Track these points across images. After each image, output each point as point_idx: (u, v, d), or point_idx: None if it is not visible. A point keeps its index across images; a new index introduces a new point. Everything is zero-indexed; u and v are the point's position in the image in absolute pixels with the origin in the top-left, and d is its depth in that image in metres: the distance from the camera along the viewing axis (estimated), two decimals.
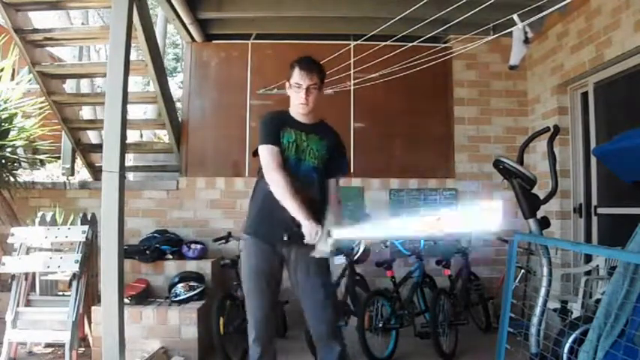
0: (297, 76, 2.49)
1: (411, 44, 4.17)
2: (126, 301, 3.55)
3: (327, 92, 4.78)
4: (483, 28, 4.01)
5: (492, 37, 3.91)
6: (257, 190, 2.59)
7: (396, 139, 5.24)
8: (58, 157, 5.70)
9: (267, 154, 2.46)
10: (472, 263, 4.62)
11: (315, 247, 2.33)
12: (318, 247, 2.32)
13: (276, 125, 2.53)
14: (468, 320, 4.41)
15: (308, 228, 2.30)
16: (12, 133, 4.67)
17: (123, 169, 2.94)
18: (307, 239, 2.31)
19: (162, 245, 4.54)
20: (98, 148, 5.27)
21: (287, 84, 2.56)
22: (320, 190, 2.55)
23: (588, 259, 3.92)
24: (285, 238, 2.43)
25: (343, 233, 2.39)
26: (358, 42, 4.57)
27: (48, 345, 4.03)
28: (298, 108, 2.53)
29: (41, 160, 5.40)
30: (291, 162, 2.50)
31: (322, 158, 2.56)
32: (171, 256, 4.51)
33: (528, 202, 2.86)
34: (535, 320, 2.67)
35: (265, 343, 2.56)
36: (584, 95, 4.45)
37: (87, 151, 5.49)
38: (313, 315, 2.55)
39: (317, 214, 2.37)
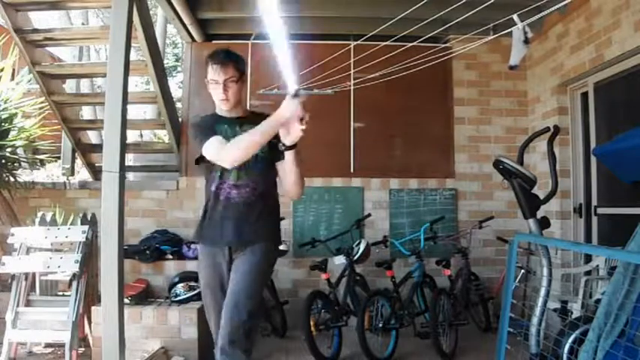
0: (212, 72, 2.33)
1: (411, 44, 4.17)
2: (126, 301, 3.56)
3: (327, 92, 4.82)
4: (483, 28, 4.00)
5: (492, 37, 3.91)
6: (206, 196, 2.43)
7: (396, 139, 5.24)
8: (58, 157, 5.70)
9: (212, 145, 2.24)
10: (472, 263, 4.62)
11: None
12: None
13: (208, 122, 2.39)
14: (468, 320, 4.41)
15: (283, 112, 2.13)
16: (12, 133, 4.66)
17: (123, 169, 2.94)
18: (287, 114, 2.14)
19: (162, 245, 4.54)
20: (98, 148, 5.27)
21: (206, 81, 2.38)
22: (269, 179, 2.40)
23: (588, 259, 3.92)
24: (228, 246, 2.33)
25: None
26: (358, 42, 4.56)
27: (48, 345, 4.02)
28: (221, 104, 2.38)
29: (41, 160, 5.39)
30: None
31: (264, 147, 2.30)
32: (171, 256, 4.51)
33: (528, 202, 2.86)
34: (535, 320, 2.68)
35: None
36: (584, 95, 4.45)
37: (87, 151, 5.49)
38: (224, 315, 2.25)
39: (265, 205, 2.34)
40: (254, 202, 2.34)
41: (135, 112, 11.60)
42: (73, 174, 5.77)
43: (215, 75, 2.32)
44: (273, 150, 2.31)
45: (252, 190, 2.33)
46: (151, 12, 6.02)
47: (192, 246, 4.59)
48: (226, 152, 2.20)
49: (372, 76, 4.63)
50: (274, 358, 3.97)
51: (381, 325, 3.88)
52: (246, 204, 2.32)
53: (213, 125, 2.35)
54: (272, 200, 2.45)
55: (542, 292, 2.70)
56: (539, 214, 2.89)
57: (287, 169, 2.30)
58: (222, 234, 2.33)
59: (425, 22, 3.73)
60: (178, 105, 6.47)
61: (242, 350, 2.18)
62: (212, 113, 2.48)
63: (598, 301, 2.82)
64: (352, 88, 4.90)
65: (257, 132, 2.16)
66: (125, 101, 2.96)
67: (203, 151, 2.29)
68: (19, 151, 4.89)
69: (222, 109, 2.39)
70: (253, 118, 2.34)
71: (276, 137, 2.23)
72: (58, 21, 10.42)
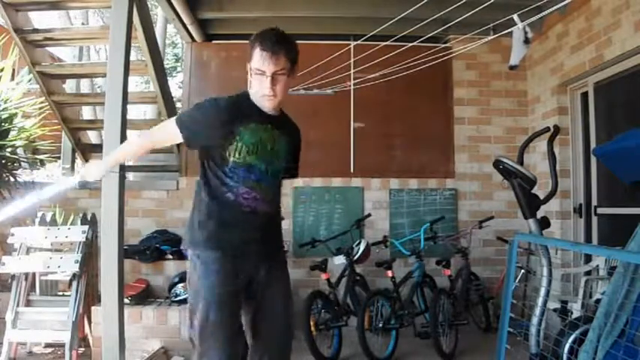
0: (259, 60, 1.91)
1: (411, 44, 4.17)
2: (126, 301, 3.56)
3: (327, 92, 4.82)
4: (483, 28, 4.00)
5: (492, 37, 3.91)
6: (203, 194, 2.05)
7: (396, 139, 5.24)
8: (58, 157, 5.69)
9: (170, 129, 1.99)
10: (472, 263, 4.62)
11: None
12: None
13: (229, 115, 1.96)
14: (468, 320, 4.40)
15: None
16: (12, 133, 4.66)
17: (123, 169, 2.94)
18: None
19: (162, 245, 4.54)
20: (98, 148, 5.26)
21: (247, 66, 1.99)
22: (278, 194, 2.16)
23: (588, 259, 3.92)
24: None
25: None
26: (358, 42, 4.56)
27: (48, 345, 4.02)
28: (262, 101, 1.98)
29: (41, 160, 5.39)
30: (257, 169, 1.99)
31: (287, 161, 2.12)
32: (171, 256, 4.51)
33: (528, 202, 2.86)
34: (535, 320, 2.67)
35: None
36: (584, 95, 4.45)
37: (87, 151, 5.49)
38: (269, 345, 2.07)
39: (272, 228, 2.11)
40: (274, 214, 2.14)
41: (135, 112, 11.59)
42: (73, 174, 5.76)
43: (263, 64, 1.91)
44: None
45: (270, 202, 2.08)
46: (151, 12, 6.02)
47: None
48: (135, 140, 2.19)
49: (372, 76, 4.63)
50: None
51: (381, 325, 3.88)
52: (268, 215, 2.07)
53: (233, 122, 1.94)
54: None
55: (542, 292, 2.69)
56: (539, 214, 2.89)
57: None
58: (245, 241, 2.00)
59: (425, 22, 3.74)
60: (178, 105, 6.47)
61: None
62: (247, 97, 2.04)
63: (598, 301, 2.82)
64: (352, 88, 4.90)
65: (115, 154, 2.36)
66: (125, 101, 2.96)
67: (166, 122, 2.11)
68: (19, 151, 4.88)
69: (265, 105, 2.00)
70: (286, 124, 2.12)
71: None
72: (58, 21, 10.41)
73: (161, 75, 4.90)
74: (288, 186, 4.73)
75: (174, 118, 2.04)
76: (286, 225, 4.85)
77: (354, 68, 4.80)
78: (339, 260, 4.30)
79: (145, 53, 4.52)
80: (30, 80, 4.94)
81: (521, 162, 2.99)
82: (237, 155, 1.96)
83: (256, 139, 1.97)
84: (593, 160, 4.28)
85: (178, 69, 14.60)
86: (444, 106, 5.29)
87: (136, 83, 14.77)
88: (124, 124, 2.97)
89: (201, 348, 1.94)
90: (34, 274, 3.92)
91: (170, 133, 1.99)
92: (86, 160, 5.45)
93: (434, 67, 4.42)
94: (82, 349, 3.83)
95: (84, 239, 3.80)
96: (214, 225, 1.98)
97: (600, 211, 4.26)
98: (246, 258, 2.00)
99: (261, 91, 1.96)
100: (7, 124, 4.55)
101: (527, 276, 4.45)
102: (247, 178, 1.98)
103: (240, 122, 1.96)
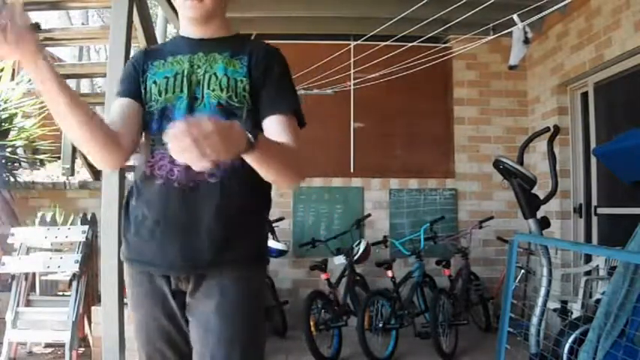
0: None
1: (411, 44, 4.18)
2: (126, 301, 3.55)
3: (327, 92, 4.82)
4: (483, 28, 4.01)
5: (492, 37, 3.91)
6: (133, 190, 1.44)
7: (396, 139, 5.24)
8: (58, 157, 5.69)
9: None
10: (472, 263, 4.62)
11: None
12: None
13: (138, 62, 1.44)
14: (468, 320, 4.40)
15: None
16: (12, 133, 4.67)
17: (123, 169, 2.94)
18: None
19: None
20: None
21: None
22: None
23: (588, 259, 3.92)
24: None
25: None
26: (358, 42, 4.57)
27: (48, 345, 4.02)
28: (187, 13, 1.39)
29: (41, 160, 5.40)
30: (179, 107, 1.36)
31: (237, 89, 1.36)
32: None
33: (528, 202, 2.86)
34: (535, 320, 2.68)
35: None
36: (584, 95, 4.45)
37: None
38: None
39: (228, 191, 1.33)
40: (222, 185, 1.37)
41: None
42: (73, 174, 5.76)
43: None
44: None
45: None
46: (151, 12, 6.02)
47: None
48: None
49: (372, 76, 4.64)
50: (274, 358, 3.96)
51: (381, 325, 3.88)
52: (200, 187, 1.37)
53: (146, 61, 1.43)
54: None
55: (542, 292, 2.70)
56: (539, 214, 2.89)
57: None
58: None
59: (425, 22, 3.74)
60: None
61: None
62: (173, 38, 1.66)
63: (598, 301, 2.83)
64: (352, 88, 4.91)
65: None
66: None
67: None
68: (19, 151, 4.89)
69: (189, 17, 1.41)
70: (230, 44, 1.44)
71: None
72: (58, 21, 10.42)
73: None
74: None
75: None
76: (286, 225, 4.86)
77: (354, 68, 4.81)
78: (339, 260, 4.30)
79: None
80: (30, 80, 4.94)
81: (521, 162, 3.00)
82: (147, 101, 1.39)
83: (172, 73, 1.39)
84: (593, 160, 4.28)
85: None
86: (444, 106, 5.29)
87: None
88: None
89: None
90: (34, 274, 3.91)
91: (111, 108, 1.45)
92: (86, 159, 5.44)
93: (434, 67, 4.42)
94: (82, 349, 3.83)
95: (84, 239, 3.79)
96: (125, 223, 1.42)
97: (600, 211, 4.26)
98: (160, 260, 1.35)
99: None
100: (7, 124, 4.56)
101: (527, 276, 4.45)
102: (162, 129, 1.27)
103: (154, 59, 1.43)
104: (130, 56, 1.70)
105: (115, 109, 1.41)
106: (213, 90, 1.36)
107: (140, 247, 1.38)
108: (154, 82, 1.39)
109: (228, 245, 1.33)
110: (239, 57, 1.40)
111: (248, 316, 1.35)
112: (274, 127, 1.34)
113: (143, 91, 1.40)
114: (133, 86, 1.41)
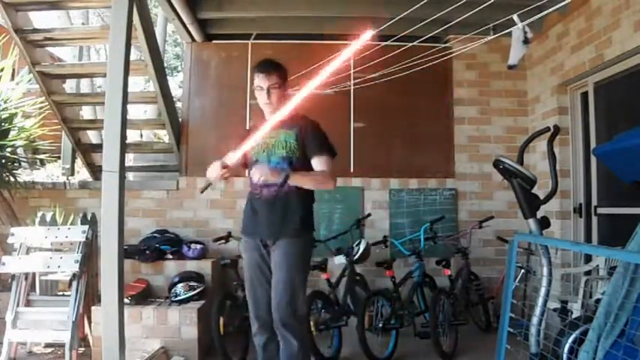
0: (257, 80, 2.73)
1: (411, 44, 4.17)
2: (126, 301, 3.56)
3: (327, 92, 4.81)
4: (483, 28, 4.00)
5: (492, 37, 3.91)
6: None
7: (396, 139, 5.24)
8: (58, 157, 5.70)
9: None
10: (472, 263, 4.62)
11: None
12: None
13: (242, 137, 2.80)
14: (468, 320, 4.41)
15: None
16: (12, 133, 4.67)
17: (123, 169, 2.94)
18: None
19: (162, 245, 4.54)
20: (98, 148, 5.27)
21: (253, 88, 2.78)
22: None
23: (588, 259, 3.92)
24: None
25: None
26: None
27: (48, 345, 4.03)
28: (264, 109, 2.77)
29: (41, 160, 5.40)
30: (261, 158, 2.75)
31: (293, 147, 2.72)
32: (171, 256, 4.51)
33: (528, 202, 2.86)
34: (535, 320, 2.67)
35: (268, 330, 2.70)
36: (584, 95, 4.45)
37: (87, 151, 5.49)
38: (272, 303, 2.66)
39: (288, 199, 2.68)
40: (282, 196, 2.74)
41: (135, 112, 11.59)
42: (73, 174, 5.77)
43: (259, 82, 2.72)
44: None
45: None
46: (151, 12, 6.02)
47: (193, 246, 4.60)
48: None
49: (372, 76, 4.64)
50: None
51: (381, 325, 3.88)
52: (274, 198, 2.76)
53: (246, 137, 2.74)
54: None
55: (542, 292, 2.69)
56: (539, 214, 2.88)
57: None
58: (261, 227, 2.81)
59: (425, 22, 3.73)
60: (178, 105, 6.47)
61: None
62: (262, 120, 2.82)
63: (598, 301, 2.82)
64: (352, 88, 4.90)
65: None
66: (125, 101, 2.96)
67: None
68: (19, 151, 4.89)
69: (266, 112, 2.78)
70: (288, 123, 2.71)
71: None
72: (58, 21, 10.40)
73: (161, 75, 4.91)
74: None
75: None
76: None
77: (354, 68, 4.80)
78: (339, 260, 4.30)
79: (144, 53, 4.52)
80: (30, 80, 4.95)
81: (521, 162, 2.99)
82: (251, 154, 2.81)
83: (259, 140, 2.74)
84: (593, 160, 4.28)
85: (179, 68, 14.60)
86: (444, 106, 5.29)
87: (135, 81, 14.76)
88: (124, 124, 2.96)
89: None
90: (34, 274, 3.92)
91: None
92: (86, 159, 5.45)
93: (434, 67, 4.42)
94: (82, 349, 3.83)
95: (84, 239, 3.80)
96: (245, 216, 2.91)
97: (600, 211, 4.26)
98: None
99: (262, 101, 2.75)
100: (7, 124, 4.56)
101: (527, 276, 4.45)
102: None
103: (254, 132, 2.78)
104: None
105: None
106: (279, 149, 2.74)
107: (250, 227, 2.81)
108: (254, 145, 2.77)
109: (286, 226, 2.68)
110: (292, 129, 2.75)
111: (293, 261, 2.67)
112: (315, 163, 2.74)
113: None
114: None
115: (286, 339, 2.62)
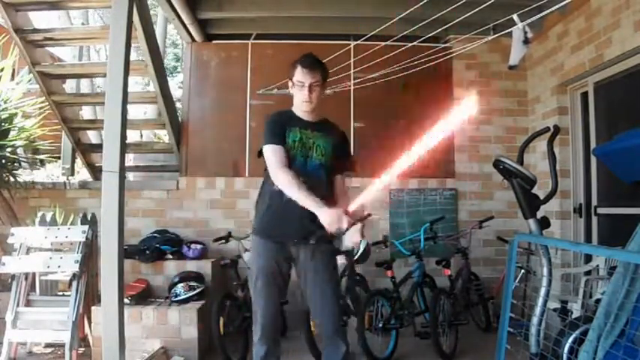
0: (300, 74, 2.52)
1: (411, 44, 4.18)
2: (126, 301, 3.56)
3: (327, 92, 4.81)
4: (483, 28, 4.00)
5: (492, 37, 3.91)
6: (264, 190, 2.62)
7: (396, 139, 5.22)
8: (58, 157, 5.70)
9: (271, 154, 2.48)
10: (472, 263, 4.62)
11: (337, 238, 2.47)
12: (346, 238, 2.45)
13: (281, 125, 2.55)
14: (468, 320, 4.41)
15: (326, 215, 2.29)
16: (12, 133, 4.66)
17: (123, 169, 2.94)
18: (329, 228, 2.30)
19: (162, 245, 4.54)
20: (98, 148, 5.27)
21: (290, 82, 2.59)
22: (327, 187, 2.60)
23: (588, 259, 3.92)
24: (296, 240, 2.53)
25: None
26: (358, 42, 4.57)
27: (48, 345, 4.03)
28: (302, 106, 2.56)
29: (41, 160, 5.40)
30: (298, 160, 2.53)
31: (328, 155, 2.59)
32: (171, 256, 4.51)
33: (528, 202, 2.86)
34: (535, 320, 2.67)
35: (270, 343, 2.58)
36: (584, 95, 4.45)
37: (87, 151, 5.49)
38: (321, 311, 2.59)
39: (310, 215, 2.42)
40: None
41: (135, 112, 11.58)
42: (73, 174, 5.77)
43: (302, 77, 2.52)
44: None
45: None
46: (151, 12, 6.02)
47: (193, 246, 4.60)
48: (278, 179, 2.43)
49: (372, 76, 4.64)
50: None
51: (381, 325, 3.88)
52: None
53: (284, 128, 2.53)
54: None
55: (542, 292, 2.69)
56: (539, 214, 2.88)
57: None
58: (289, 230, 2.54)
59: (425, 22, 3.74)
60: (178, 105, 6.47)
61: None
62: (290, 110, 2.64)
63: (598, 301, 2.82)
64: (352, 88, 4.90)
65: (306, 199, 2.34)
66: (125, 101, 2.96)
67: (264, 151, 2.52)
68: (19, 151, 4.89)
69: (303, 110, 2.58)
70: (325, 127, 2.63)
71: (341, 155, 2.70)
72: (58, 21, 10.41)
73: (161, 75, 4.91)
74: None
75: (265, 145, 2.51)
76: None
77: (354, 68, 4.80)
78: (339, 260, 4.29)
79: (144, 53, 4.52)
80: (30, 80, 4.94)
81: (521, 162, 2.99)
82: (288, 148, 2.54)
83: (297, 138, 2.54)
84: (593, 160, 4.28)
85: (178, 69, 14.60)
86: (444, 106, 5.27)
87: (135, 80, 14.76)
88: (124, 124, 2.96)
89: None
90: (34, 274, 3.92)
91: (273, 153, 2.48)
92: (86, 159, 5.45)
93: (434, 67, 4.42)
94: (82, 349, 3.83)
95: (84, 239, 3.80)
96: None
97: (600, 211, 4.26)
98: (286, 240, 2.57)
99: (302, 98, 2.54)
100: (7, 124, 4.56)
101: (527, 276, 4.45)
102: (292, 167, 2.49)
103: (288, 125, 2.56)
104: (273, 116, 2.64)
105: (274, 154, 2.49)
106: (317, 154, 2.58)
107: (273, 229, 2.56)
108: (290, 140, 2.53)
109: (322, 230, 2.36)
110: (329, 137, 2.63)
111: (332, 266, 2.68)
112: (340, 180, 2.71)
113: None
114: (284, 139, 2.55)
115: (337, 345, 2.57)
